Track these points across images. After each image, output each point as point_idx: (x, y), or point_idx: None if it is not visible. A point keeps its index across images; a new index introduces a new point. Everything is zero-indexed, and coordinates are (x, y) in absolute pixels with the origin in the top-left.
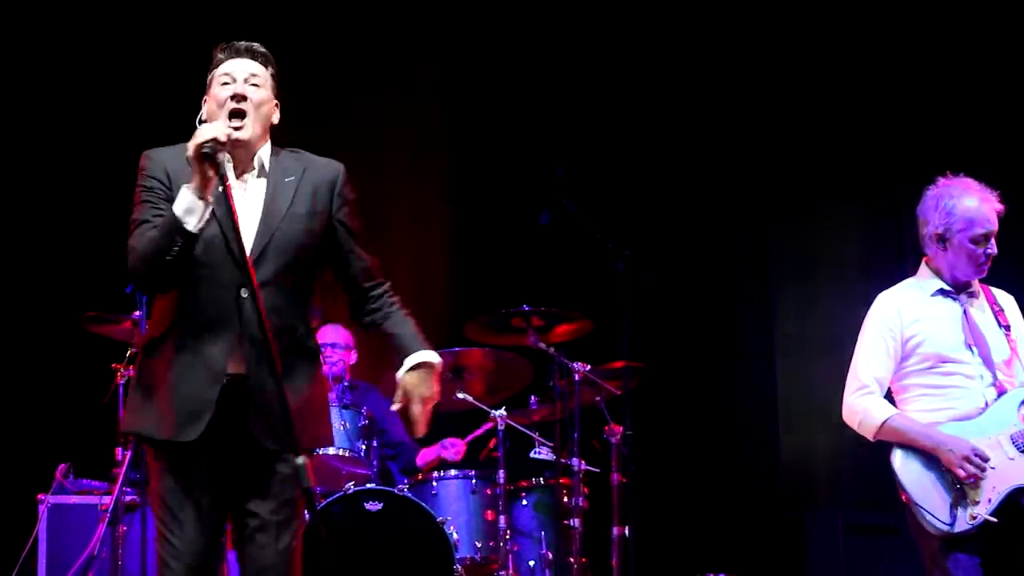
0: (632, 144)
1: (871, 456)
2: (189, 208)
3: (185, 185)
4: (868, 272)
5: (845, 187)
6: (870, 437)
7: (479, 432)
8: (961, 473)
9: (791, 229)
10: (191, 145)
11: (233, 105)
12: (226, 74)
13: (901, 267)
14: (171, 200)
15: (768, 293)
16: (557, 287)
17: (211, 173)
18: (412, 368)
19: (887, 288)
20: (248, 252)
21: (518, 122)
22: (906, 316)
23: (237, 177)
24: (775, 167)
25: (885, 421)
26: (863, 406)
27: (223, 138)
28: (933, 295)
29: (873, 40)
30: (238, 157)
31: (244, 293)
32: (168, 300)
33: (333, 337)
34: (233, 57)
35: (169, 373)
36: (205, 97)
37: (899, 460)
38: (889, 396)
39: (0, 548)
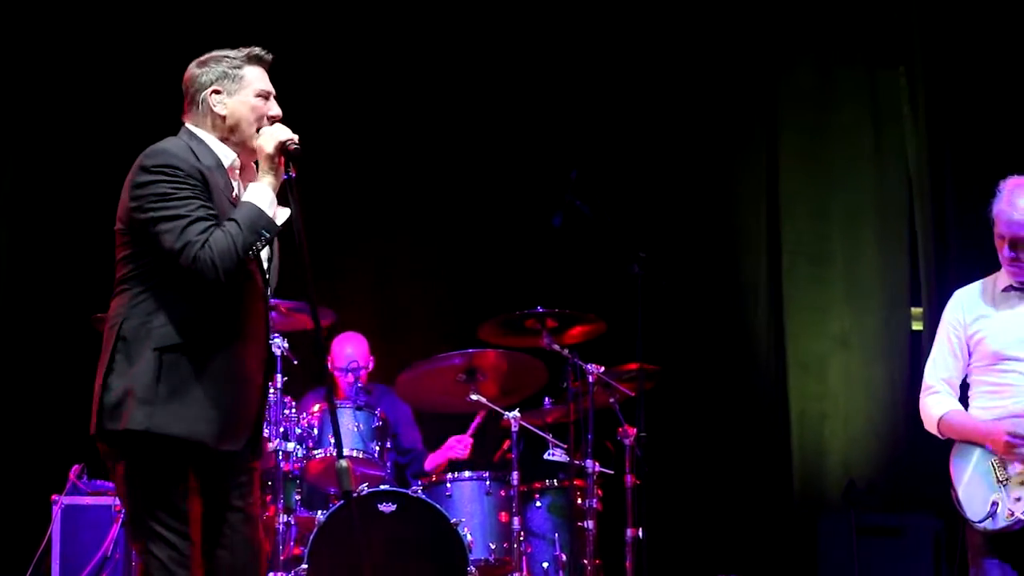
0: (647, 146)
1: (883, 458)
2: (271, 203)
3: (258, 183)
4: (881, 274)
5: (860, 187)
6: (938, 435)
7: (476, 423)
8: (1011, 454)
9: (805, 229)
10: (271, 142)
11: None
12: (267, 91)
13: (913, 265)
14: (211, 200)
15: (781, 294)
16: (571, 289)
17: (283, 172)
18: None
19: (899, 293)
20: (266, 265)
21: (531, 123)
22: (970, 313)
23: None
24: (789, 171)
25: (940, 418)
26: (925, 407)
27: (296, 141)
28: (1003, 291)
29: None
30: (250, 169)
31: (270, 292)
32: (191, 298)
33: (356, 354)
34: (263, 68)
35: (216, 379)
36: (215, 88)
37: (954, 454)
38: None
39: (14, 549)
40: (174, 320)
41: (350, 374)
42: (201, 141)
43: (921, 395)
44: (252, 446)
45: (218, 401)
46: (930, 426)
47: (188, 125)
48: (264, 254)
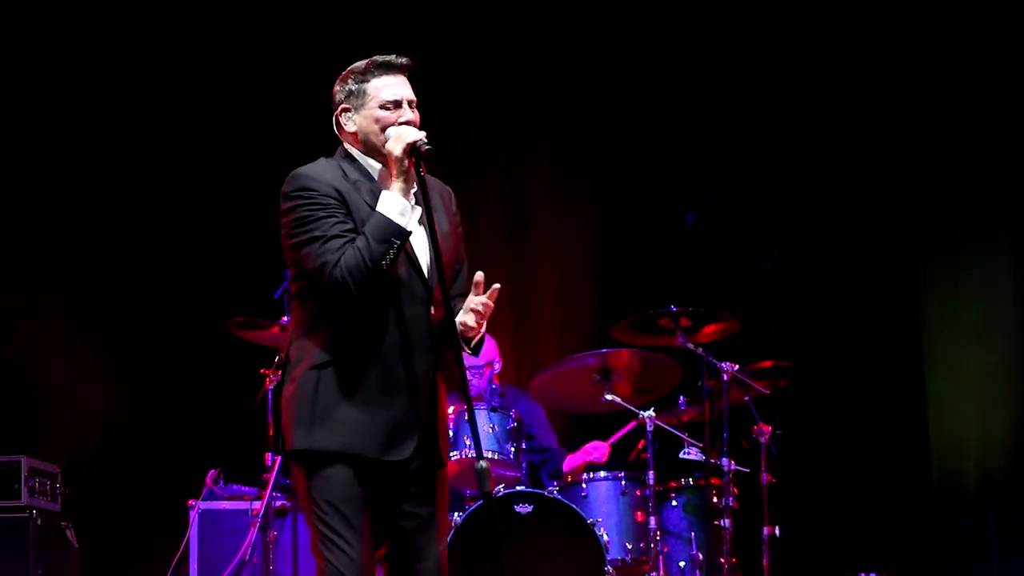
0: (780, 144)
1: (1022, 452)
2: (402, 210)
3: (388, 190)
4: (1017, 265)
5: (996, 181)
6: None
7: (622, 433)
8: None
9: (939, 222)
10: (399, 145)
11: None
12: (393, 101)
13: None
14: (349, 216)
15: (916, 288)
16: (704, 287)
17: (414, 174)
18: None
19: None
20: (426, 269)
21: (663, 121)
22: None
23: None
24: (926, 167)
25: None
26: None
27: (425, 140)
28: None
29: None
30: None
31: (433, 310)
32: (345, 313)
33: (485, 355)
34: (390, 74)
35: (372, 391)
36: (344, 107)
37: None
38: None
39: (152, 554)
40: (328, 338)
41: (483, 365)
42: (352, 157)
43: None
44: (426, 454)
45: (375, 413)
46: None
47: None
48: (423, 258)
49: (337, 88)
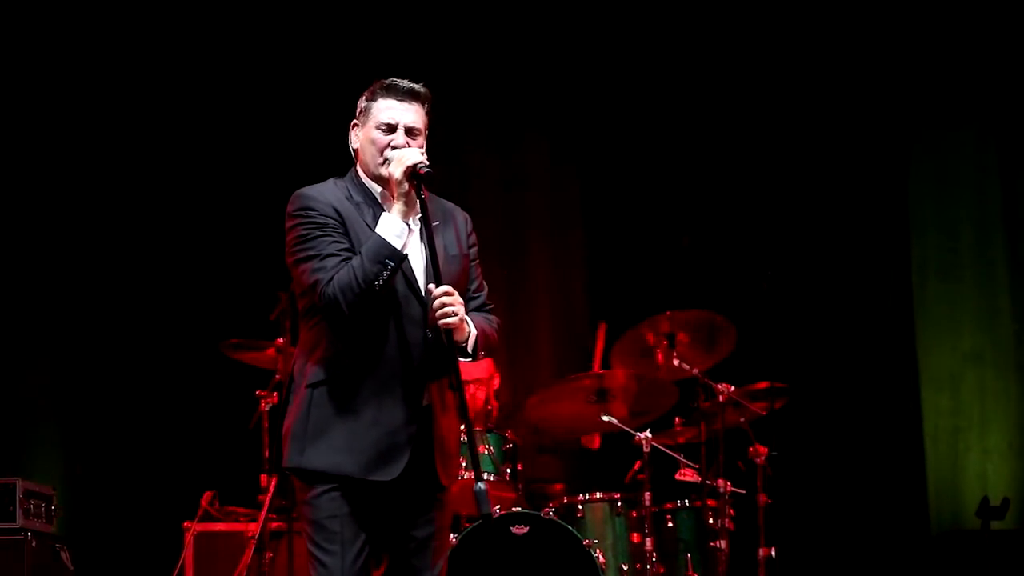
0: (776, 164)
1: (1019, 472)
2: (399, 233)
3: (389, 213)
4: (1012, 287)
5: (993, 201)
6: None
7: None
8: None
9: (933, 245)
10: (399, 168)
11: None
12: (387, 124)
13: None
14: (347, 236)
15: (912, 309)
16: (700, 308)
17: (414, 196)
18: None
19: None
20: (424, 291)
21: (659, 140)
22: None
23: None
24: (921, 187)
25: None
26: None
27: (426, 163)
28: None
29: None
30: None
31: (430, 333)
32: (342, 333)
33: (476, 372)
34: (394, 98)
35: (363, 410)
36: (355, 123)
37: None
38: None
39: None
40: (324, 357)
41: (470, 384)
42: (358, 178)
43: None
44: (422, 476)
45: (365, 432)
46: None
47: None
48: (422, 279)
49: (358, 103)
